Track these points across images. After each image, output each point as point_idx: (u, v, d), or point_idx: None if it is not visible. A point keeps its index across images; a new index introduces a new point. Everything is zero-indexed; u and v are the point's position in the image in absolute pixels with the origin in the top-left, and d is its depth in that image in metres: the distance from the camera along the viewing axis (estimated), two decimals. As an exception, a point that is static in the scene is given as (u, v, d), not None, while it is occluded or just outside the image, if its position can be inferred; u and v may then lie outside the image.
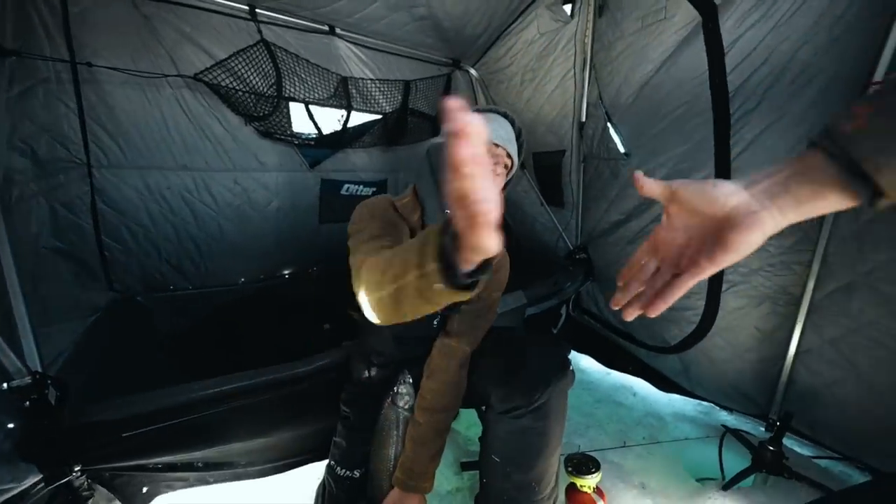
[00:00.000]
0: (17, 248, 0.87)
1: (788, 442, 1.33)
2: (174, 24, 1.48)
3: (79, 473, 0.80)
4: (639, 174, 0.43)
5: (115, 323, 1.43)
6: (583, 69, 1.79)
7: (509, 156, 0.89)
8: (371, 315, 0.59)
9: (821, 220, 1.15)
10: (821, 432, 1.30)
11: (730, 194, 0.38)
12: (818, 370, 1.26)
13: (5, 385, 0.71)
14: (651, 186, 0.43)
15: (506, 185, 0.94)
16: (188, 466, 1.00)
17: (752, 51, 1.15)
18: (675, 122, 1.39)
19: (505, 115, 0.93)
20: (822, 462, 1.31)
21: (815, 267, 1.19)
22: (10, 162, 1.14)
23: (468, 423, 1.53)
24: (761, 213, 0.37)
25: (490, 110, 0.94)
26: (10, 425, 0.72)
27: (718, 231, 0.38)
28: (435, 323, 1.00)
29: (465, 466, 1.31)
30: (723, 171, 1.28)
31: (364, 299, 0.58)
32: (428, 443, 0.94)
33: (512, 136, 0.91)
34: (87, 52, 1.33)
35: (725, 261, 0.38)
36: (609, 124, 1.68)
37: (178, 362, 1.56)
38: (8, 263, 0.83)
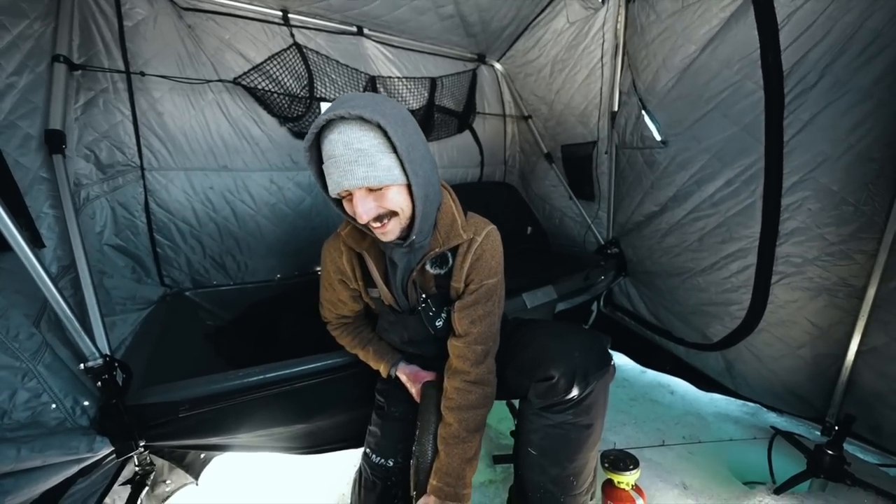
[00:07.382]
0: (87, 244, 0.96)
1: (850, 448, 1.23)
2: (215, 32, 1.57)
3: (142, 449, 0.88)
4: None
5: (167, 315, 1.54)
6: (614, 56, 1.73)
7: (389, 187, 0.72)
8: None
9: (889, 203, 1.05)
10: (888, 439, 1.19)
11: None
12: (885, 371, 1.15)
13: (82, 366, 0.79)
14: None
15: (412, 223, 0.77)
16: (236, 447, 1.06)
17: (811, 24, 1.07)
18: (720, 105, 1.31)
19: (361, 118, 0.68)
20: (892, 471, 1.20)
21: (882, 257, 1.08)
22: (77, 167, 1.25)
23: (499, 417, 1.53)
24: None
25: (345, 117, 0.68)
26: (86, 403, 0.80)
27: None
28: (439, 324, 0.95)
29: (497, 460, 1.31)
30: (774, 154, 1.20)
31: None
32: (461, 442, 0.85)
33: (380, 148, 0.70)
34: (140, 63, 1.43)
35: None
36: (644, 112, 1.61)
37: (223, 352, 1.65)
38: (81, 258, 0.92)
